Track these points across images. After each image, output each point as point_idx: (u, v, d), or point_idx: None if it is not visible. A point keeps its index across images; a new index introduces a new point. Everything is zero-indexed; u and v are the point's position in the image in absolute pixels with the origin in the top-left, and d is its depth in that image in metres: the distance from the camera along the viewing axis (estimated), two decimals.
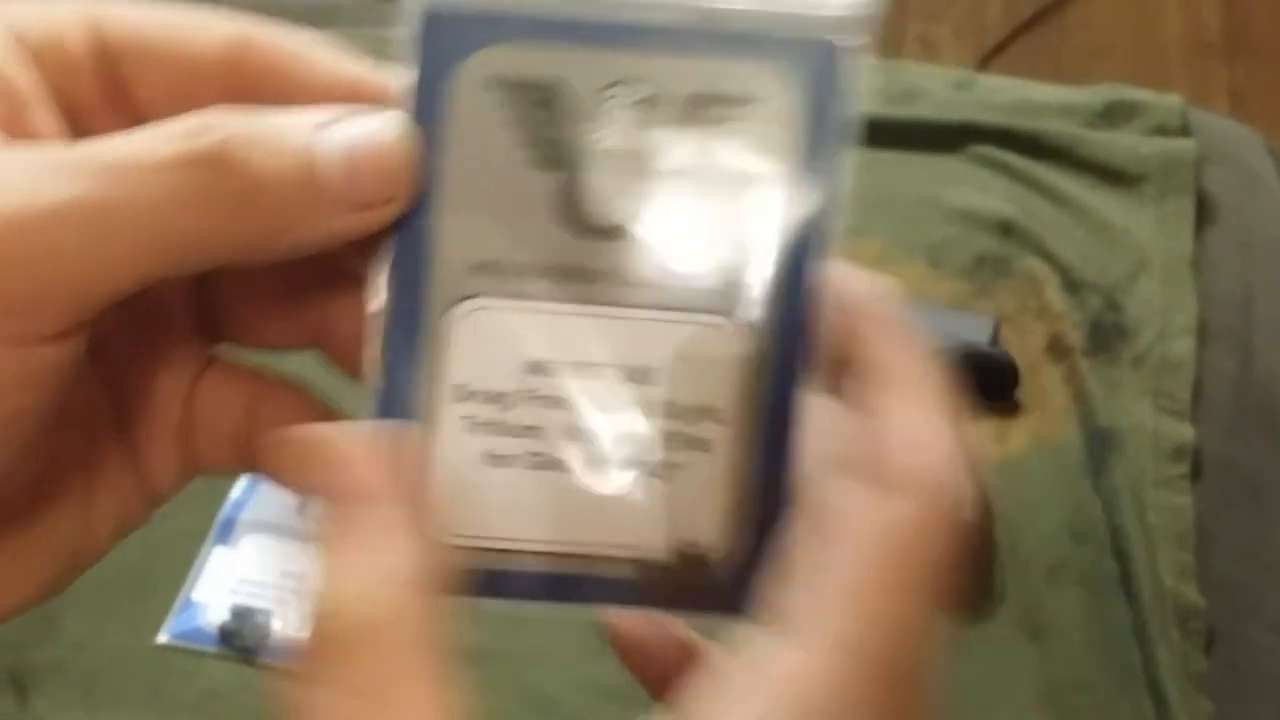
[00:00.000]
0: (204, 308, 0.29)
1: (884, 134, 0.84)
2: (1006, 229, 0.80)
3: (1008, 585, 0.66)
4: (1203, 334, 0.76)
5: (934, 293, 0.77)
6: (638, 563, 0.24)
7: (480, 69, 0.24)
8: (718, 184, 0.24)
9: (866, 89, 0.25)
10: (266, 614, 0.66)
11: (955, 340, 0.72)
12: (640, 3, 0.24)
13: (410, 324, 0.24)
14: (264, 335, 0.29)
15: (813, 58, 0.24)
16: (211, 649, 0.65)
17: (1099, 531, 0.68)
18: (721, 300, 0.24)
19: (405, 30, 0.24)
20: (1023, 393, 0.73)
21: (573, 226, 0.24)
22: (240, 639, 0.65)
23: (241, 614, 0.66)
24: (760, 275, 0.24)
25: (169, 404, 0.29)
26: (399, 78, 0.25)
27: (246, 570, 0.68)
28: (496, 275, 0.24)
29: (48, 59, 0.25)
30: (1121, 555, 0.67)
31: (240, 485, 0.71)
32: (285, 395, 0.29)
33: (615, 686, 0.36)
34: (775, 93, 0.24)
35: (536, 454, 0.24)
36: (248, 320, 0.29)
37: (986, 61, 1.65)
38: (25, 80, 0.25)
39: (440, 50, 0.24)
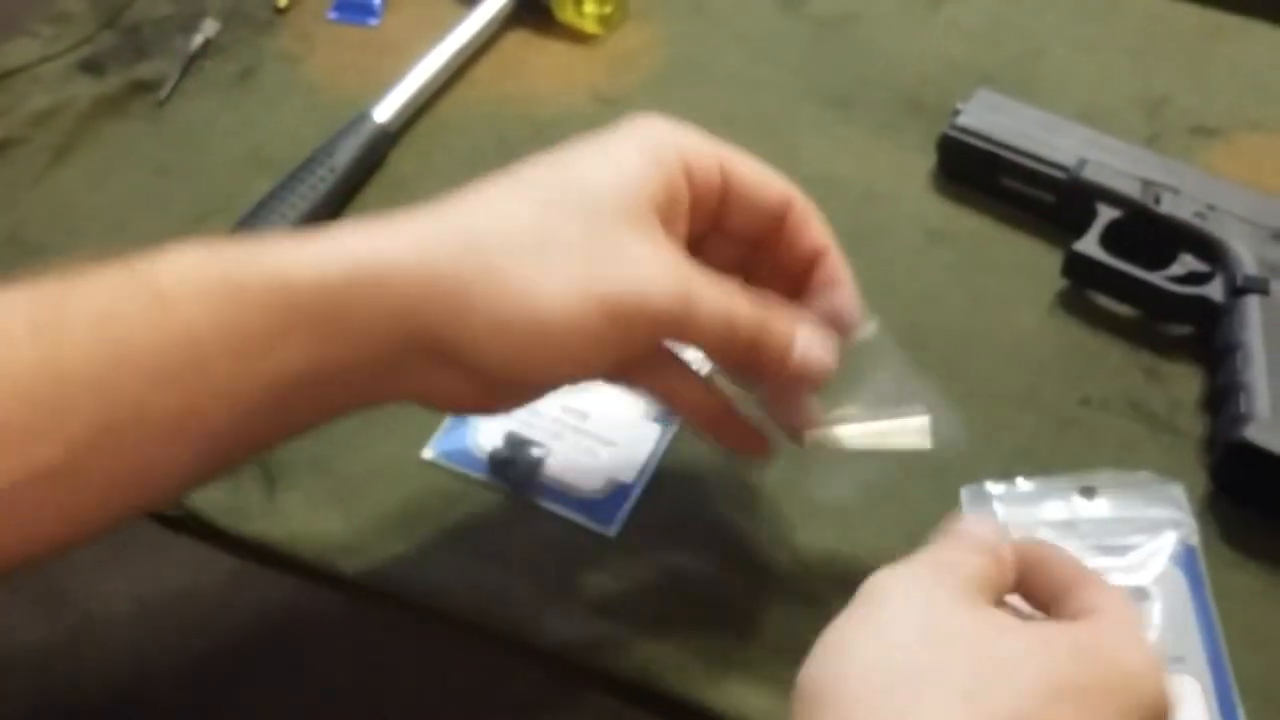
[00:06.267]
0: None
1: None
2: None
3: None
4: None
5: None
6: None
7: None
8: None
9: None
10: (542, 448, 0.59)
11: None
12: None
13: None
14: None
15: None
16: (479, 475, 0.59)
17: None
18: None
19: None
20: None
21: None
22: (512, 470, 0.59)
23: (515, 443, 0.59)
24: None
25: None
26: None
27: None
28: None
29: (698, 181, 0.46)
30: None
31: None
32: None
33: None
34: None
35: None
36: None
37: None
38: (684, 196, 0.45)
39: None
